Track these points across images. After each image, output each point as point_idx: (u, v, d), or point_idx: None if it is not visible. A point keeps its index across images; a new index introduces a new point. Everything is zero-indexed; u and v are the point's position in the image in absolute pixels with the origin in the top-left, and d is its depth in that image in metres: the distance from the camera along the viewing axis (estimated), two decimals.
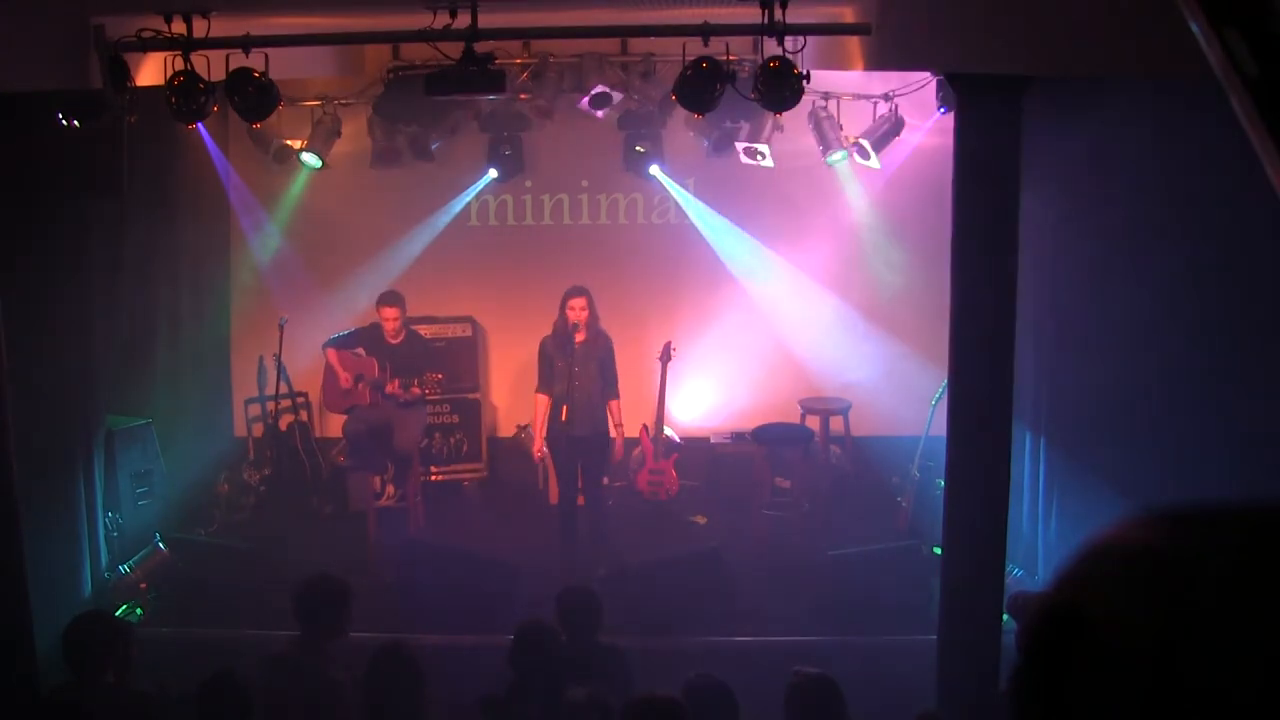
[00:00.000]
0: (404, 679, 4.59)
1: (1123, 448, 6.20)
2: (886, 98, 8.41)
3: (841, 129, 8.76)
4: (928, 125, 8.48)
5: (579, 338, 7.47)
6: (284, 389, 8.77)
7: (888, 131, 8.78)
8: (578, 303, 7.43)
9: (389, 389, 7.93)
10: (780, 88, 5.48)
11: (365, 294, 8.79)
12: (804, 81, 5.51)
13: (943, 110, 7.68)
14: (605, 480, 8.04)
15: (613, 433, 7.60)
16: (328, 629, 4.92)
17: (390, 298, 8.16)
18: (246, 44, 5.74)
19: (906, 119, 8.62)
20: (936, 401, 7.66)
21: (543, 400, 7.56)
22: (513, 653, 4.86)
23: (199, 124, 6.66)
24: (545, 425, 7.55)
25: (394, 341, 8.13)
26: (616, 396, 7.60)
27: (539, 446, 7.74)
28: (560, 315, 7.47)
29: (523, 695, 4.68)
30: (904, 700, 5.09)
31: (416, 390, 7.94)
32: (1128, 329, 6.19)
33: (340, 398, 8.19)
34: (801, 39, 5.52)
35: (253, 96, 5.87)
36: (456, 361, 9.07)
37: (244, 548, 7.51)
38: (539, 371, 7.61)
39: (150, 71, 5.95)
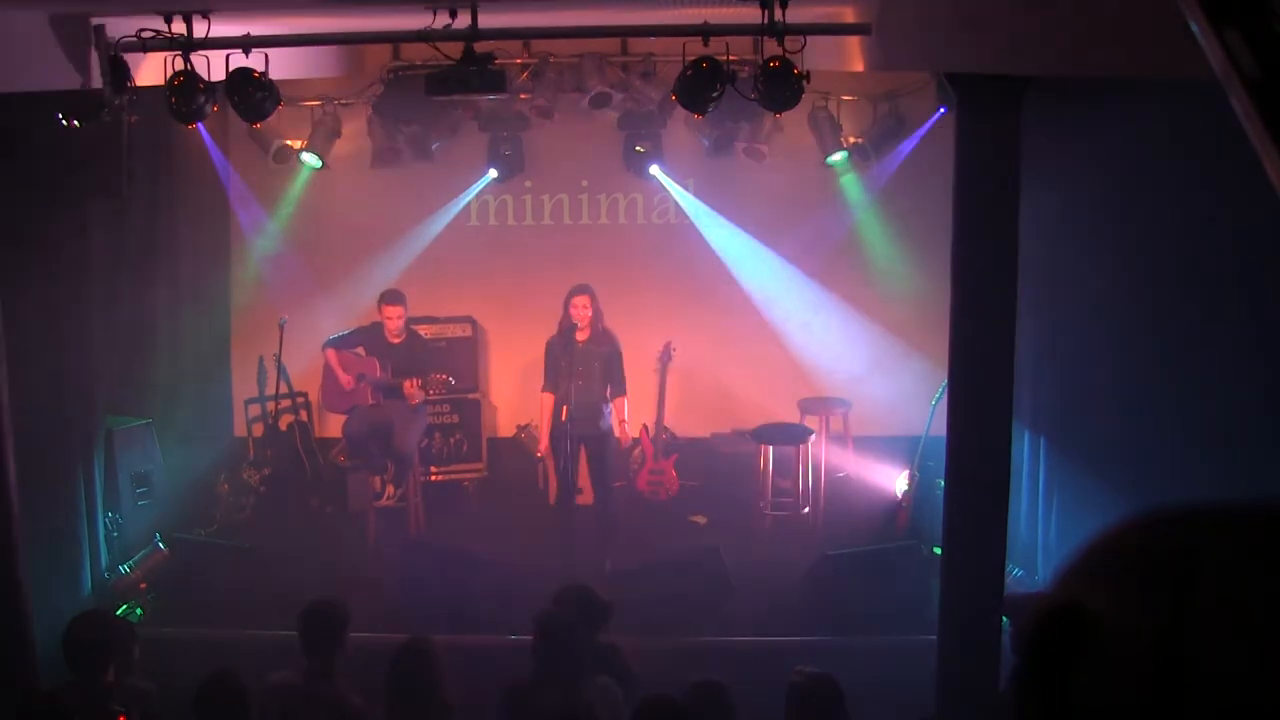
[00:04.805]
0: (425, 675, 4.58)
1: (1123, 448, 6.19)
2: (887, 97, 8.41)
3: (841, 129, 8.77)
4: (927, 125, 8.48)
5: (581, 336, 7.48)
6: (284, 389, 8.77)
7: (888, 131, 8.79)
8: (580, 301, 7.45)
9: (407, 389, 7.91)
10: (780, 88, 5.49)
11: (365, 294, 8.78)
12: (804, 81, 5.52)
13: (943, 110, 7.68)
14: (619, 484, 8.03)
15: (617, 430, 7.65)
16: (331, 653, 4.88)
17: (393, 296, 8.15)
18: (246, 44, 5.74)
19: (906, 119, 8.62)
20: (936, 401, 7.66)
21: (548, 399, 7.59)
22: (534, 644, 4.77)
23: (199, 124, 6.66)
24: (550, 424, 7.57)
25: (395, 341, 8.12)
26: (623, 394, 7.65)
27: (544, 444, 7.75)
28: (564, 314, 7.48)
29: (541, 685, 4.65)
30: (904, 700, 5.09)
31: (420, 391, 7.95)
32: (1128, 328, 6.19)
33: (340, 398, 8.19)
34: (801, 39, 5.52)
35: (253, 96, 5.87)
36: (456, 361, 9.05)
37: (244, 548, 7.50)
38: (545, 371, 7.63)
39: (150, 71, 5.94)
